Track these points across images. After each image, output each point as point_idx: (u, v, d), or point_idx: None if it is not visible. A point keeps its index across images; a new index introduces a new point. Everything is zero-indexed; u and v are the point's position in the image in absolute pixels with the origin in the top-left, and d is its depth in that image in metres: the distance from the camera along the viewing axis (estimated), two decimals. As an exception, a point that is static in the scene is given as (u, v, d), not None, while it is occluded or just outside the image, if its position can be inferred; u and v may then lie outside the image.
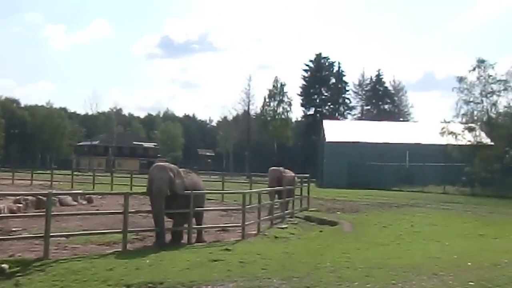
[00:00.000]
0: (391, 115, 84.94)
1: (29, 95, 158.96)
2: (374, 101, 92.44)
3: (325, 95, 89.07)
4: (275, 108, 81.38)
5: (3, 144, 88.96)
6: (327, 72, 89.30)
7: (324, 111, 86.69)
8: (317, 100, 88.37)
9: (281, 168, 20.48)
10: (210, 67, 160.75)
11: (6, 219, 14.19)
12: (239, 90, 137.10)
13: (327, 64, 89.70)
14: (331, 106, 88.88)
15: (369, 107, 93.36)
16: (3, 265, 9.16)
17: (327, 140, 50.31)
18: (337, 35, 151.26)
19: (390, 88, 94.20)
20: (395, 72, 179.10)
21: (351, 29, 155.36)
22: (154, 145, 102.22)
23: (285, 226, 16.53)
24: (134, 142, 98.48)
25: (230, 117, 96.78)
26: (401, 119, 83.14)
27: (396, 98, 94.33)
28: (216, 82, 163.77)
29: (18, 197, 17.77)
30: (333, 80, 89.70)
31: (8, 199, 17.82)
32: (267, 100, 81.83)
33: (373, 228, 16.66)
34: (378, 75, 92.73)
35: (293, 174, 21.21)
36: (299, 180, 22.68)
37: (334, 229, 16.83)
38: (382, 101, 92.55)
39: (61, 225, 13.70)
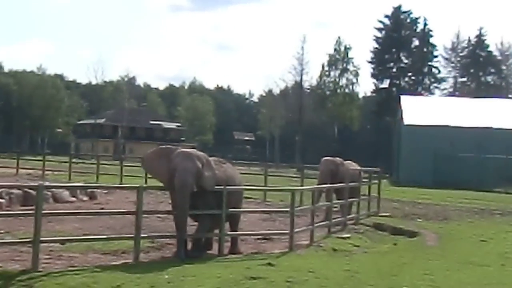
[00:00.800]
0: (497, 89, 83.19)
1: (16, 57, 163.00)
2: (472, 71, 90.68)
3: (405, 63, 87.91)
4: (337, 80, 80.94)
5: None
6: (408, 32, 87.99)
7: (403, 84, 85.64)
8: (394, 70, 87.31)
9: (337, 159, 20.30)
10: (251, 24, 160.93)
11: (-15, 218, 14.56)
12: (289, 55, 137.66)
13: (408, 20, 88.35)
14: (413, 77, 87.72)
15: (465, 79, 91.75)
16: (-21, 278, 9.42)
17: (405, 122, 49.65)
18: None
19: (495, 53, 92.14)
20: (502, 31, 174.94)
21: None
22: (176, 125, 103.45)
23: (347, 235, 16.42)
24: (151, 122, 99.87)
25: (276, 91, 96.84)
26: (510, 96, 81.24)
27: (504, 68, 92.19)
28: (259, 44, 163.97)
29: None
30: (416, 43, 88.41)
31: (-13, 193, 18.31)
32: (326, 68, 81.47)
33: (467, 243, 16.38)
34: (479, 36, 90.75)
35: (358, 168, 21.00)
36: (367, 175, 22.47)
37: (413, 242, 16.64)
38: (484, 71, 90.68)
39: (54, 227, 13.94)
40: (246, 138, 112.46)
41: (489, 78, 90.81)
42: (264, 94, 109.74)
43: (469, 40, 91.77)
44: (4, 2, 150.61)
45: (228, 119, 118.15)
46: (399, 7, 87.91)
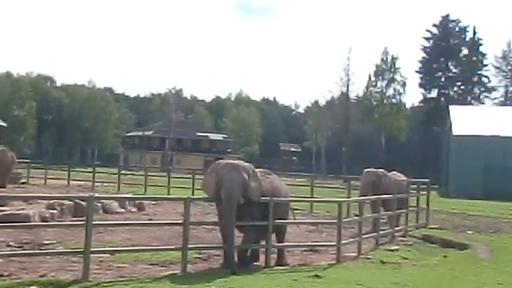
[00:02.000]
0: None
1: (68, 71, 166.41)
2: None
3: (454, 72, 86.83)
4: (384, 90, 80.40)
5: (34, 134, 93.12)
6: (457, 41, 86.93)
7: (452, 93, 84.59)
8: (442, 79, 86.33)
9: (379, 170, 20.17)
10: (297, 35, 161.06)
11: (37, 228, 14.83)
12: (336, 66, 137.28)
13: (457, 29, 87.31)
14: (462, 87, 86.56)
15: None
16: (32, 287, 9.59)
17: (454, 133, 49.00)
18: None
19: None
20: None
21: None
22: (223, 137, 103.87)
23: (396, 247, 16.26)
24: (198, 133, 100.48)
25: (322, 102, 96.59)
26: None
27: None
28: (305, 55, 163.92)
29: (51, 202, 18.50)
30: (466, 52, 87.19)
31: (39, 204, 18.62)
32: (372, 79, 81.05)
33: (520, 255, 16.07)
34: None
35: (404, 178, 20.77)
36: (415, 186, 22.22)
37: (463, 255, 16.39)
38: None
39: (104, 237, 14.17)
40: (292, 149, 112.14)
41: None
42: (310, 105, 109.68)
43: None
44: (55, 18, 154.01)
45: (274, 130, 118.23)
46: (447, 16, 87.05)
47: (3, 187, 28.14)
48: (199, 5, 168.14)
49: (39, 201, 18.97)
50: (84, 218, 11.03)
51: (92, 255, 10.65)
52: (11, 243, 13.40)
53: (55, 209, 18.19)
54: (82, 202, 16.98)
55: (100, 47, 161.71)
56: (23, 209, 17.49)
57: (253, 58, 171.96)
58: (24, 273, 10.63)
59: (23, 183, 33.41)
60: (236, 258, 12.16)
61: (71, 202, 18.53)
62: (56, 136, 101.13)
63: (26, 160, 42.08)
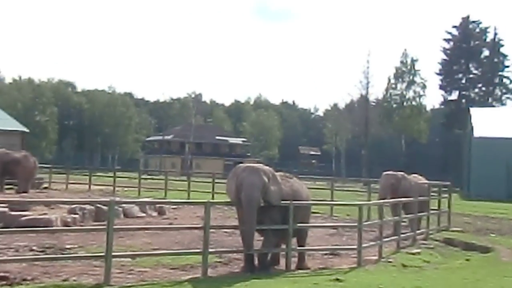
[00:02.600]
0: None
1: (88, 76, 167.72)
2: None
3: (474, 74, 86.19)
4: (404, 92, 79.97)
5: (55, 139, 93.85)
6: (477, 42, 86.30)
7: (473, 95, 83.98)
8: (463, 81, 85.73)
9: (399, 173, 20.07)
10: (316, 38, 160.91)
11: (59, 233, 14.96)
12: (355, 69, 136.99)
13: (477, 30, 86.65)
14: (483, 88, 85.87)
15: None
16: (55, 291, 9.68)
17: (476, 135, 48.65)
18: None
19: None
20: None
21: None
22: (242, 140, 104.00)
23: (417, 251, 16.18)
24: (217, 137, 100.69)
25: (341, 105, 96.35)
26: None
27: None
28: (324, 58, 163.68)
29: (73, 206, 18.62)
30: (486, 53, 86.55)
31: (61, 208, 18.79)
32: (392, 81, 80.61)
33: (544, 258, 15.91)
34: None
35: (424, 181, 20.67)
36: (436, 189, 22.09)
37: (486, 258, 16.28)
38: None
39: (125, 242, 14.23)
40: (312, 152, 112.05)
41: None
42: (329, 108, 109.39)
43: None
44: (76, 25, 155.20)
45: (293, 133, 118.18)
46: (468, 17, 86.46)
47: (26, 192, 28.39)
48: (217, 9, 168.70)
49: (61, 206, 19.12)
50: (105, 223, 11.10)
51: (114, 259, 10.73)
52: (34, 248, 13.53)
53: (77, 213, 18.33)
54: (103, 207, 17.11)
55: (120, 52, 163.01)
56: (45, 213, 17.65)
57: (272, 61, 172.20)
58: (47, 277, 10.72)
59: (45, 188, 33.67)
60: (256, 262, 12.19)
61: (92, 207, 18.64)
62: (77, 141, 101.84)
63: (48, 165, 42.40)
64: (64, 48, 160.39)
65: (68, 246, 13.82)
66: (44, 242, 14.11)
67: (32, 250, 13.33)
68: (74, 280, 10.55)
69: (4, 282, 10.22)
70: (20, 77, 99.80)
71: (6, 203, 15.75)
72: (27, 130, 45.21)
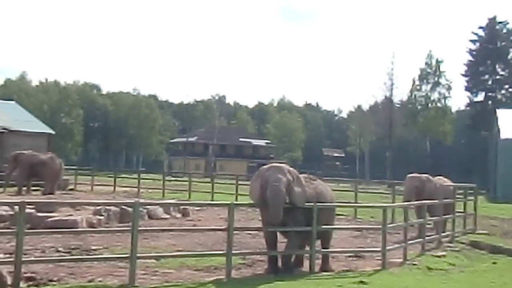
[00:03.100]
0: None
1: (113, 79, 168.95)
2: None
3: (501, 75, 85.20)
4: (428, 94, 79.50)
5: (81, 141, 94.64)
6: (504, 43, 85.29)
7: (499, 96, 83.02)
8: (489, 82, 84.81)
9: (423, 175, 19.97)
10: (340, 39, 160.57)
11: (84, 234, 15.07)
12: (379, 70, 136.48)
13: (504, 31, 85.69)
14: (510, 89, 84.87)
15: None
16: (81, 292, 9.76)
17: (502, 136, 48.14)
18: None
19: None
20: None
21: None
22: (266, 142, 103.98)
23: (443, 253, 16.06)
24: (241, 139, 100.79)
25: (365, 107, 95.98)
26: None
27: None
28: (348, 59, 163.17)
29: (98, 208, 18.77)
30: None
31: (86, 210, 18.93)
32: (417, 83, 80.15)
33: None
34: None
35: (450, 183, 20.51)
36: (462, 191, 21.91)
37: (513, 261, 16.08)
38: None
39: (150, 243, 14.33)
40: (336, 154, 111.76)
41: None
42: (353, 110, 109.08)
43: None
44: (100, 28, 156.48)
45: (317, 135, 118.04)
46: (494, 18, 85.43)
47: (52, 194, 28.70)
48: (241, 11, 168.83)
49: (87, 207, 19.29)
50: (130, 224, 11.19)
51: (138, 260, 10.79)
52: (60, 249, 13.65)
53: (102, 215, 18.46)
54: (128, 208, 17.22)
55: (145, 55, 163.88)
56: (71, 215, 17.80)
57: (296, 63, 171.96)
58: (73, 278, 10.81)
59: (70, 189, 33.99)
60: (280, 264, 12.20)
61: (117, 208, 18.77)
62: (102, 143, 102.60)
63: (74, 167, 42.79)
64: (89, 51, 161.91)
65: (93, 247, 13.92)
66: (70, 243, 14.23)
67: (58, 251, 13.45)
68: (100, 281, 10.63)
69: (31, 283, 10.34)
70: (46, 80, 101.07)
71: (32, 204, 15.90)
72: (53, 132, 45.60)
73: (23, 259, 9.97)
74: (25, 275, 10.31)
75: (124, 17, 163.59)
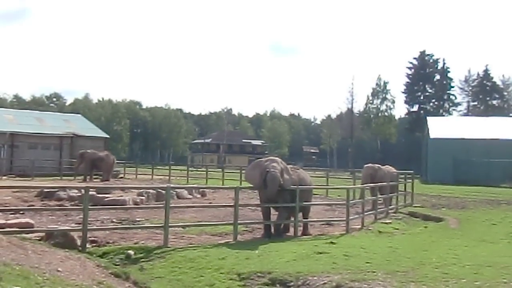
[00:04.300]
0: (500, 110, 79.30)
1: (151, 97, 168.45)
2: (481, 96, 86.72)
3: (429, 92, 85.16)
4: (378, 106, 79.44)
5: (127, 142, 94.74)
6: (431, 69, 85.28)
7: (428, 108, 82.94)
8: (421, 97, 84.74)
9: (376, 165, 20.00)
10: (314, 67, 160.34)
11: (131, 210, 15.11)
12: (343, 89, 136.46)
13: (431, 61, 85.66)
14: (436, 102, 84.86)
15: (475, 103, 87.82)
16: (129, 251, 9.77)
17: (431, 136, 48.18)
18: (443, 32, 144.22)
19: (498, 83, 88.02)
20: (504, 67, 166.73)
21: (457, 25, 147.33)
22: (261, 142, 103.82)
23: (389, 221, 16.08)
24: (243, 140, 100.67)
25: (334, 115, 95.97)
26: (511, 115, 77.35)
27: (505, 93, 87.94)
28: (321, 82, 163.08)
29: (140, 190, 18.83)
30: (438, 77, 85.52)
31: (132, 192, 18.98)
32: (370, 98, 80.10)
33: (480, 225, 15.75)
34: (486, 71, 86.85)
35: (394, 170, 20.56)
36: (403, 176, 21.95)
37: (439, 225, 16.14)
38: (490, 96, 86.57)
39: (178, 216, 14.34)
40: (312, 150, 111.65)
41: (494, 102, 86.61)
42: (325, 118, 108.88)
43: (478, 74, 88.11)
44: (141, 57, 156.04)
45: (298, 137, 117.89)
46: (424, 51, 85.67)
47: (108, 180, 28.76)
48: (240, 46, 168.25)
49: (132, 190, 19.33)
50: (163, 202, 11.20)
51: (170, 228, 10.82)
52: (114, 220, 13.69)
53: (143, 196, 18.51)
54: (162, 191, 17.26)
55: (174, 79, 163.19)
56: (121, 196, 17.85)
57: (283, 83, 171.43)
58: (123, 241, 10.85)
59: (121, 177, 34.02)
60: (272, 230, 12.23)
61: (154, 191, 18.83)
62: (142, 144, 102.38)
63: (122, 162, 42.82)
64: (133, 77, 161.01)
65: (137, 219, 13.97)
66: (120, 216, 14.27)
67: (112, 222, 13.49)
68: (143, 243, 10.67)
69: (94, 244, 10.39)
70: (102, 98, 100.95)
71: (94, 188, 15.93)
72: (108, 136, 45.62)
73: (88, 227, 10.01)
74: (90, 238, 10.36)
75: (159, 51, 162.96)
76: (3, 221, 11.07)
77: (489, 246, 11.49)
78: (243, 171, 31.17)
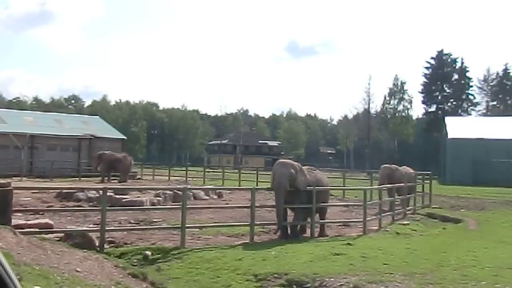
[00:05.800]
0: (520, 110, 78.22)
1: (167, 98, 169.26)
2: (501, 96, 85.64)
3: (447, 92, 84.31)
4: (396, 106, 78.98)
5: (145, 144, 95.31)
6: (449, 69, 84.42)
7: (446, 108, 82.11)
8: (439, 97, 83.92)
9: (393, 165, 19.84)
10: (331, 67, 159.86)
11: (148, 210, 15.21)
12: (360, 89, 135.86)
13: (449, 60, 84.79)
14: (454, 102, 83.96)
15: (495, 103, 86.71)
16: (146, 252, 9.84)
17: (449, 136, 47.71)
18: (461, 31, 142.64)
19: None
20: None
21: (476, 24, 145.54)
22: (278, 143, 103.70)
23: (407, 222, 15.95)
24: (260, 141, 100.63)
25: (350, 116, 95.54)
26: (531, 114, 76.25)
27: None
28: (337, 82, 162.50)
29: (158, 191, 18.95)
30: (456, 76, 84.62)
31: (149, 193, 19.10)
32: (387, 98, 79.71)
33: (500, 227, 15.54)
34: (505, 70, 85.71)
35: (412, 171, 20.38)
36: (421, 177, 21.76)
37: (458, 227, 15.97)
38: (510, 96, 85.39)
39: (195, 217, 14.39)
40: (329, 151, 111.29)
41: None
42: (341, 118, 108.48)
43: (497, 73, 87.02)
44: (159, 61, 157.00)
45: (315, 137, 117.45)
46: (442, 50, 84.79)
47: (125, 182, 28.96)
48: (256, 47, 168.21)
49: (150, 191, 19.43)
50: (180, 203, 11.25)
51: (187, 229, 10.86)
52: (131, 221, 13.79)
53: (161, 197, 18.61)
54: (179, 192, 17.32)
55: (190, 80, 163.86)
56: (138, 197, 17.97)
57: (299, 84, 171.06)
58: (141, 241, 10.93)
59: (138, 178, 34.25)
60: (289, 231, 12.20)
61: (171, 192, 18.92)
62: (159, 145, 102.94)
63: (140, 163, 43.13)
64: (150, 78, 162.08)
65: (155, 220, 14.05)
66: (138, 217, 14.36)
67: (130, 222, 13.59)
68: (160, 244, 10.73)
69: (112, 244, 10.48)
70: (120, 100, 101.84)
71: (112, 189, 16.07)
72: (125, 138, 46.00)
73: (106, 228, 10.10)
74: (108, 239, 10.45)
75: (175, 53, 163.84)
76: (23, 222, 11.23)
77: (509, 248, 11.32)
78: (260, 173, 31.42)
